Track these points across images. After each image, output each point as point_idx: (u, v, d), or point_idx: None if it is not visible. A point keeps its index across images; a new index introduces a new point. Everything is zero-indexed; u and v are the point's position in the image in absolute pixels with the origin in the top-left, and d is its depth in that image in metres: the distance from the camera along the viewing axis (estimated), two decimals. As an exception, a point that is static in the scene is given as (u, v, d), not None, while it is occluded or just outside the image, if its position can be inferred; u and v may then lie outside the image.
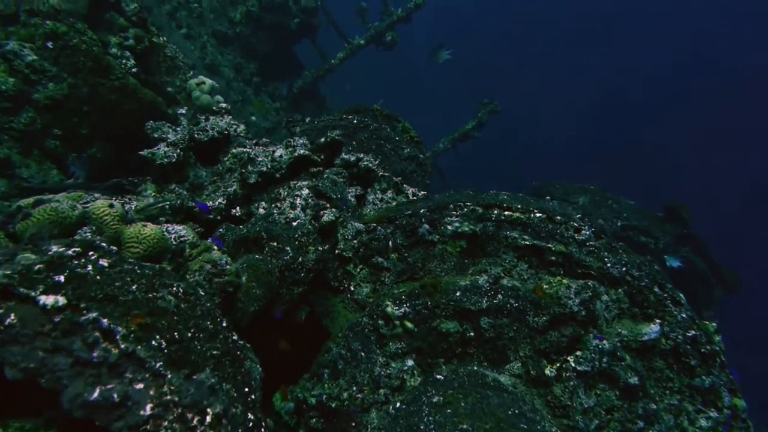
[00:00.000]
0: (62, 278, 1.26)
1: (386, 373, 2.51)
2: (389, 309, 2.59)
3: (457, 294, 2.58)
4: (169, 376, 1.23)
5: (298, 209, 3.20)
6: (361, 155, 3.80)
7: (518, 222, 2.83)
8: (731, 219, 32.94)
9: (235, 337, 1.53)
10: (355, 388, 2.49)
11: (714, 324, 2.62)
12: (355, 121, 4.31)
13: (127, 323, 1.23)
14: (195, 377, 1.28)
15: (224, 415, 1.34)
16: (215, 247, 2.17)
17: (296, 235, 2.95)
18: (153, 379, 1.20)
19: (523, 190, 8.93)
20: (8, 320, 1.19)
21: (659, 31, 44.17)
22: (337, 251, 3.14)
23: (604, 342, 2.47)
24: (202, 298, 1.52)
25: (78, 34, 3.66)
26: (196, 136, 3.79)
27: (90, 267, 1.32)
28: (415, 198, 3.58)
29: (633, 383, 2.41)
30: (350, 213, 3.38)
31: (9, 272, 1.23)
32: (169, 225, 2.46)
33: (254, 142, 4.01)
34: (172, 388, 1.21)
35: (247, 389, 1.44)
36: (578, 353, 2.48)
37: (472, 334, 2.54)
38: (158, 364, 1.22)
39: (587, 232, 2.78)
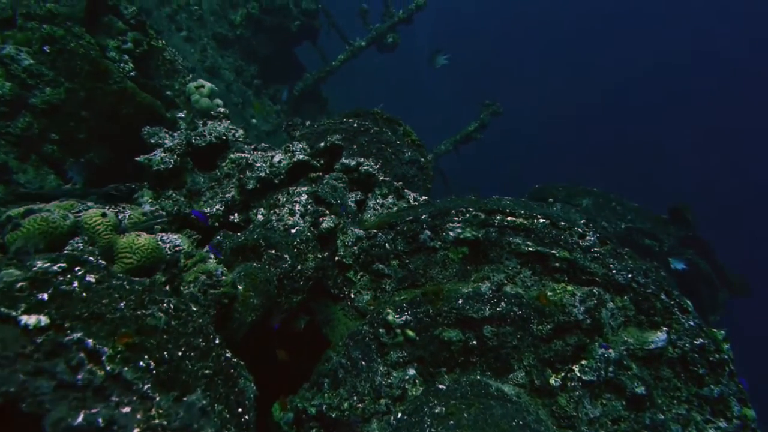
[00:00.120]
0: (46, 296, 1.20)
1: (387, 382, 2.46)
2: (390, 317, 2.54)
3: (460, 301, 2.53)
4: (158, 398, 1.17)
5: (297, 216, 3.15)
6: (362, 160, 3.75)
7: (521, 228, 2.78)
8: (731, 219, 32.79)
9: (228, 355, 1.47)
10: (355, 398, 2.44)
11: (723, 332, 2.56)
12: (355, 125, 4.27)
13: (114, 343, 1.17)
14: (185, 399, 1.23)
15: (216, 437, 1.28)
16: (211, 257, 2.12)
17: (295, 243, 2.90)
18: (140, 402, 1.14)
19: (525, 192, 8.88)
20: (-12, 342, 1.13)
21: (659, 31, 44.12)
22: (337, 258, 3.08)
23: (610, 351, 2.41)
24: (194, 314, 1.46)
25: (75, 37, 3.62)
26: (193, 141, 3.74)
27: (76, 283, 1.26)
28: (416, 203, 3.53)
29: (640, 393, 2.35)
30: (350, 219, 3.33)
31: (-10, 290, 1.18)
32: (163, 234, 2.41)
33: (253, 147, 3.96)
34: (161, 411, 1.16)
35: (240, 409, 1.39)
36: (583, 362, 2.42)
37: (474, 342, 2.49)
38: (146, 386, 1.17)
39: (592, 238, 2.73)
